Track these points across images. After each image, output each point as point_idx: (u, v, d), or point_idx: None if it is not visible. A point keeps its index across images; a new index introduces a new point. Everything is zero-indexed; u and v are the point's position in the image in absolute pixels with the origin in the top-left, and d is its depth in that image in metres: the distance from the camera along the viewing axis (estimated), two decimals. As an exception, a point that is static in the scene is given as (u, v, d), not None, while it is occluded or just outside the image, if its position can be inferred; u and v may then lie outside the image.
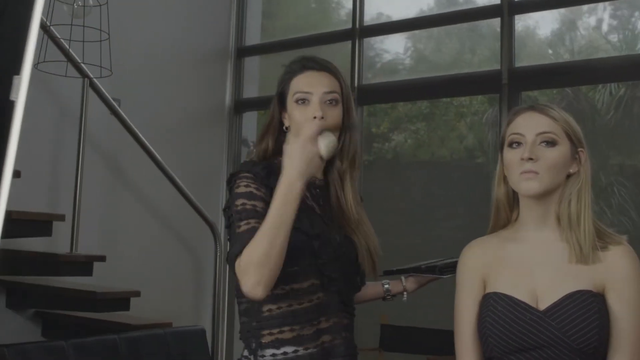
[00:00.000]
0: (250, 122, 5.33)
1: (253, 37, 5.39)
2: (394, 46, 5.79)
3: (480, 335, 1.64)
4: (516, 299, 1.60)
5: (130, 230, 4.31)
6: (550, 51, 5.41)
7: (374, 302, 2.13)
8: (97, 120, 3.99)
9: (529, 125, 1.65)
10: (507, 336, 1.58)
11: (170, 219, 4.56)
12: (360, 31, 4.80)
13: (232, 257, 1.68)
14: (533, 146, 1.62)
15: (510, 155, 1.66)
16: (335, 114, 1.86)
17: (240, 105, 5.21)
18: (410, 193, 5.63)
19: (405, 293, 2.13)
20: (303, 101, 1.85)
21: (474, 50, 5.60)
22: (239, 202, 1.75)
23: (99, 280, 3.79)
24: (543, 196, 1.63)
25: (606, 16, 5.23)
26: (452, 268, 2.02)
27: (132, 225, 4.33)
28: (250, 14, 5.37)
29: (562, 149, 1.63)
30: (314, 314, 1.78)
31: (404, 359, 4.62)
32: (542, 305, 1.58)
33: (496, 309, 1.61)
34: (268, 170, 1.81)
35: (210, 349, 4.04)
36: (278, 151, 1.86)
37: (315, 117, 1.81)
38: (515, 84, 4.15)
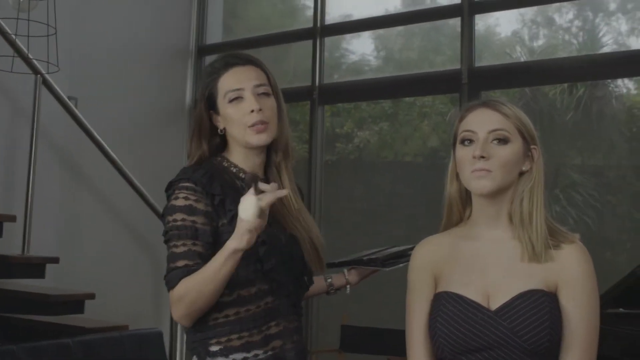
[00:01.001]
0: (211, 122, 5.25)
1: (214, 36, 5.33)
2: (359, 47, 5.78)
3: (431, 335, 1.60)
4: (467, 298, 1.57)
5: (86, 231, 4.22)
6: (507, 50, 5.43)
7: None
8: (53, 118, 3.89)
9: (480, 122, 1.62)
10: (457, 336, 1.54)
11: (128, 219, 4.48)
12: (322, 30, 4.76)
13: (167, 285, 1.68)
14: (485, 144, 1.59)
15: (462, 153, 1.62)
16: (270, 105, 1.83)
17: (201, 105, 5.13)
18: (373, 193, 5.62)
19: (348, 286, 2.10)
20: (236, 99, 1.81)
21: (437, 50, 5.60)
22: (178, 216, 1.70)
23: (53, 283, 3.70)
24: (495, 194, 1.60)
25: (566, 17, 5.26)
26: (394, 260, 1.98)
27: (89, 226, 4.24)
28: (211, 12, 5.31)
29: (515, 146, 1.60)
30: (263, 320, 1.74)
31: (365, 360, 4.60)
32: (494, 305, 1.55)
33: (447, 308, 1.57)
34: (210, 175, 1.76)
35: (167, 353, 3.96)
36: (215, 151, 1.87)
37: (253, 111, 1.78)
38: (475, 83, 4.15)
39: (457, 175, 1.67)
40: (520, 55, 5.36)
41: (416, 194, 5.43)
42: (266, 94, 1.84)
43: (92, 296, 3.62)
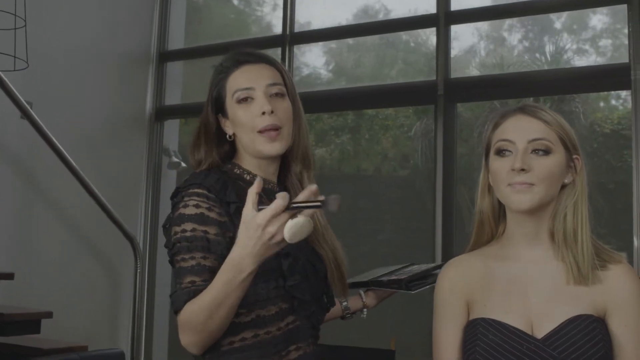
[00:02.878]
0: (172, 131, 5.02)
1: (176, 41, 5.11)
2: (316, 60, 5.70)
3: (469, 366, 1.44)
4: (509, 325, 1.42)
5: (42, 245, 3.94)
6: (475, 64, 5.39)
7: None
8: (7, 123, 3.63)
9: (518, 130, 1.47)
10: (501, 368, 1.39)
11: (87, 233, 4.21)
12: (291, 38, 4.60)
13: (174, 306, 1.47)
14: (525, 155, 1.44)
15: (498, 164, 1.47)
16: (284, 107, 1.64)
17: (162, 113, 4.91)
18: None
19: (365, 310, 1.95)
20: (245, 99, 1.62)
21: (406, 60, 5.54)
22: (188, 226, 1.50)
23: (6, 300, 3.44)
24: (535, 210, 1.46)
25: (535, 31, 5.25)
26: (419, 281, 1.83)
27: (45, 239, 3.96)
28: (174, 17, 5.10)
29: (557, 157, 1.47)
30: (283, 344, 1.54)
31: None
32: (539, 333, 1.41)
33: (486, 337, 1.42)
34: (223, 181, 1.57)
35: (129, 374, 3.74)
36: (225, 159, 1.68)
37: (264, 113, 1.59)
38: (451, 95, 4.05)
39: (489, 188, 1.52)
40: (489, 69, 5.31)
41: (378, 208, 5.33)
42: (280, 95, 1.64)
43: (49, 315, 3.37)
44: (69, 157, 3.71)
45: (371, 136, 6.19)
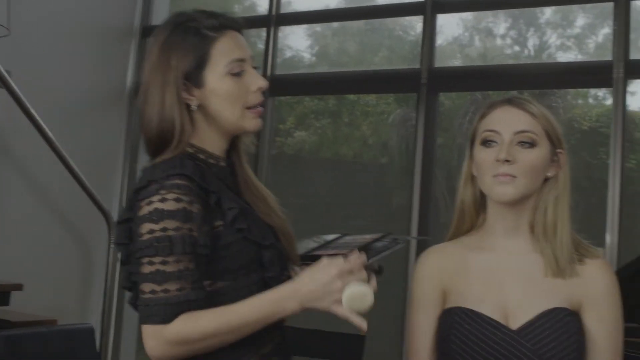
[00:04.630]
0: (152, 107, 4.97)
1: (160, 17, 5.05)
2: (300, 42, 5.67)
3: (442, 354, 1.45)
4: (485, 315, 1.42)
5: (13, 216, 3.89)
6: (459, 55, 5.39)
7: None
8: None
9: (505, 121, 1.47)
10: (474, 357, 1.40)
11: (59, 205, 4.16)
12: (277, 19, 4.57)
13: (149, 318, 1.32)
14: (510, 146, 1.45)
15: (483, 155, 1.47)
16: (257, 77, 1.51)
17: (142, 88, 4.86)
18: (312, 190, 5.49)
19: None
20: (239, 73, 1.47)
21: (391, 47, 5.52)
22: (170, 224, 1.33)
23: (-24, 272, 3.40)
24: (517, 202, 1.46)
25: (519, 23, 5.25)
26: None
27: (16, 210, 3.91)
28: (158, -9, 5.04)
29: (542, 150, 1.47)
30: (261, 339, 1.43)
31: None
32: (514, 324, 1.41)
33: (462, 326, 1.42)
34: (200, 169, 1.43)
35: (98, 348, 3.70)
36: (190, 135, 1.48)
37: (259, 89, 1.48)
38: (434, 84, 4.06)
39: (473, 178, 1.52)
40: (471, 59, 5.31)
41: (355, 194, 5.33)
42: (257, 69, 1.53)
43: (19, 287, 3.33)
44: (46, 128, 3.65)
45: (351, 121, 6.18)
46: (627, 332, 2.04)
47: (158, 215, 1.34)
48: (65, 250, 4.23)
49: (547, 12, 5.13)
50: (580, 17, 5.01)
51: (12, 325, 3.21)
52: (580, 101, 5.79)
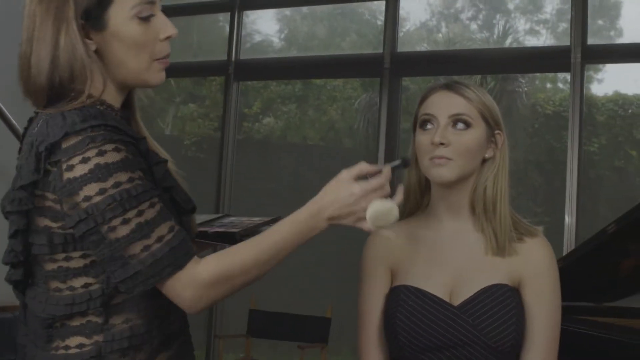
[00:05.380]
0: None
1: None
2: (269, 27, 5.68)
3: (388, 332, 1.50)
4: (429, 293, 1.47)
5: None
6: (426, 40, 5.45)
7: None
8: None
9: (441, 105, 1.52)
10: (419, 334, 1.45)
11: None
12: (241, 3, 4.58)
13: (169, 269, 1.20)
14: (445, 129, 1.49)
15: (421, 138, 1.52)
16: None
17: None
18: (279, 175, 5.53)
19: None
20: (148, 17, 1.29)
21: (359, 32, 5.56)
22: (123, 177, 1.19)
23: None
24: (456, 183, 1.51)
25: (482, 8, 5.32)
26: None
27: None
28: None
29: (477, 132, 1.51)
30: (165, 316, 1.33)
31: (273, 346, 4.48)
32: (457, 301, 1.47)
33: (407, 303, 1.47)
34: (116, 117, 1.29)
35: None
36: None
37: (169, 37, 1.32)
38: (396, 68, 4.10)
39: (417, 161, 1.57)
40: (435, 44, 5.37)
41: (321, 178, 5.38)
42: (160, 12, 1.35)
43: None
44: (3, 107, 3.58)
45: (318, 106, 6.22)
46: (578, 310, 2.11)
47: (103, 172, 1.19)
48: None
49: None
50: (546, 3, 5.08)
51: None
52: (549, 85, 5.89)
